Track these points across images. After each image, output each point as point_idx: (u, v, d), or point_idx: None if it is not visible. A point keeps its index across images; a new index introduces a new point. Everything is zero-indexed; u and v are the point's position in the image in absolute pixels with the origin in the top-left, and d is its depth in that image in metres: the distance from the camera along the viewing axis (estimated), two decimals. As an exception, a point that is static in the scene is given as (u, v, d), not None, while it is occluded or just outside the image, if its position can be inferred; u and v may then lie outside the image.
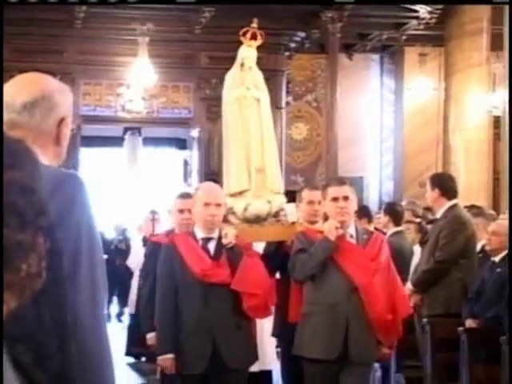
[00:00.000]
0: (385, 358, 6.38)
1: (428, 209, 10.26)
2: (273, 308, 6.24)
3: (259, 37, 7.05)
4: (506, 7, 13.88)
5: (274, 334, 6.81)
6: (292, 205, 7.03)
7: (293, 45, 16.64)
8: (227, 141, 7.05)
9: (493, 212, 10.96)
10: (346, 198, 5.77)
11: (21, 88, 2.80)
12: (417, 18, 15.95)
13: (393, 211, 9.29)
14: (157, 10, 15.34)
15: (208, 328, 5.59)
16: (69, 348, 2.08)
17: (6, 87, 2.88)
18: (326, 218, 6.27)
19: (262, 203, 6.67)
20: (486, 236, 7.75)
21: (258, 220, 6.62)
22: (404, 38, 17.19)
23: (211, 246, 5.76)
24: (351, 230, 5.87)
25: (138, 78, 16.49)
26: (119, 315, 17.21)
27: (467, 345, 7.09)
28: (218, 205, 5.75)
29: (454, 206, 7.93)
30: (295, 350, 5.89)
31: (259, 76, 7.13)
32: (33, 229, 1.46)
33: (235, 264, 5.64)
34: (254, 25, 7.13)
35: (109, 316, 17.23)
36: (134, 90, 16.80)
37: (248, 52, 7.05)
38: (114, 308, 17.60)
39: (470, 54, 15.98)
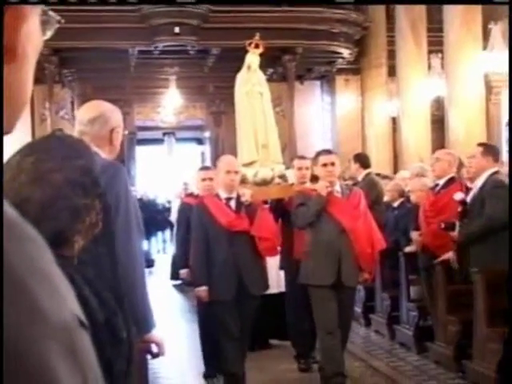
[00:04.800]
0: (367, 282, 5.56)
1: (352, 177, 10.37)
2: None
3: (261, 46, 6.45)
4: (400, 46, 13.93)
5: (281, 268, 6.13)
6: (291, 171, 6.29)
7: (265, 77, 16.62)
8: (239, 125, 6.39)
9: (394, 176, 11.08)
10: (332, 164, 5.13)
11: (87, 110, 2.84)
12: (342, 57, 16.00)
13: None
14: (181, 59, 15.27)
15: (234, 265, 4.94)
16: (116, 268, 2.11)
17: (80, 110, 2.96)
18: (312, 179, 5.77)
19: (267, 170, 6.17)
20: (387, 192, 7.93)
21: (264, 183, 6.11)
22: (335, 70, 17.16)
23: (232, 204, 5.06)
24: (337, 188, 5.21)
25: (170, 101, 16.57)
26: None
27: (378, 258, 7.27)
28: (236, 172, 5.09)
29: (369, 173, 7.97)
30: (302, 279, 5.19)
31: (261, 76, 6.53)
32: (92, 195, 1.48)
33: (252, 216, 5.03)
34: (257, 37, 6.49)
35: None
36: (168, 109, 16.84)
37: (253, 58, 6.42)
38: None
39: (376, 79, 16.10)
